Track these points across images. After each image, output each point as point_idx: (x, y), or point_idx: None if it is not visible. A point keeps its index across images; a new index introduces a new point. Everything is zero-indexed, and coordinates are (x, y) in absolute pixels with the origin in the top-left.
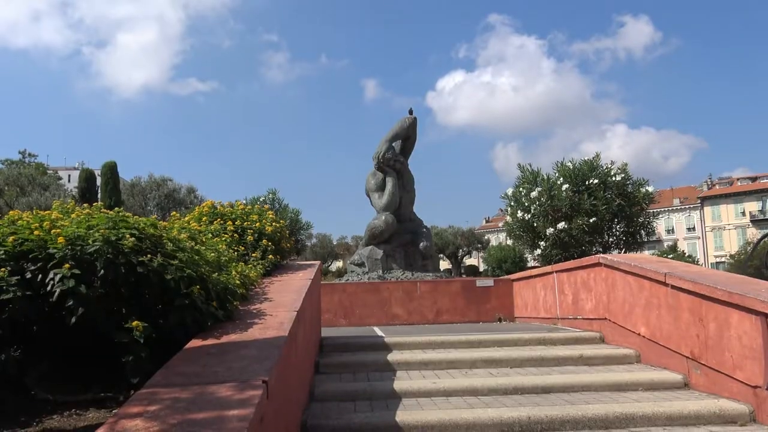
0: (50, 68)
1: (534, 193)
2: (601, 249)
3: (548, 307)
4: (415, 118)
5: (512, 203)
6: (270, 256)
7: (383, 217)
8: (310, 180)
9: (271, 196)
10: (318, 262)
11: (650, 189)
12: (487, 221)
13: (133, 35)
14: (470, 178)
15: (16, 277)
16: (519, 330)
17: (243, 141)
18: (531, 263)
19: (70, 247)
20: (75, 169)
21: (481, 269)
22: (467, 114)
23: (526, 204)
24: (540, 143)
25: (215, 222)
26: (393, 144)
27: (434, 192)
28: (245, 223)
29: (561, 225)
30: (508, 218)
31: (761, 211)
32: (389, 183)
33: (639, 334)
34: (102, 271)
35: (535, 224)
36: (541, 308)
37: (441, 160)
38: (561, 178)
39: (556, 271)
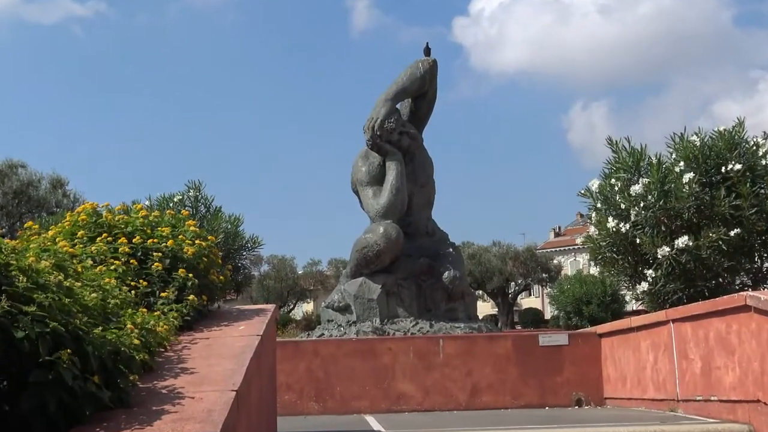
0: None
1: (636, 188)
2: (749, 282)
3: (661, 381)
4: (434, 63)
5: (599, 204)
6: (191, 297)
7: (381, 229)
8: (261, 169)
9: (192, 193)
10: (272, 307)
11: None
12: (557, 235)
13: None
14: (527, 162)
15: None
16: (612, 420)
17: (148, 103)
18: (631, 305)
19: None
20: None
21: (548, 315)
22: (522, 53)
23: (623, 206)
24: (646, 102)
25: (99, 239)
26: (398, 106)
27: (467, 186)
28: (150, 241)
29: (682, 241)
30: (593, 230)
31: None
32: (392, 171)
33: None
34: None
35: (638, 240)
36: (648, 382)
37: (478, 131)
38: (681, 163)
39: (674, 320)
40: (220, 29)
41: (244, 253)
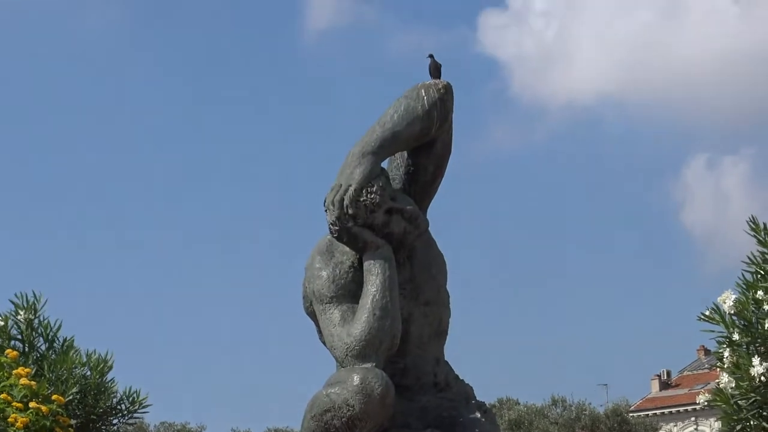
0: None
1: None
2: None
3: None
4: (446, 89)
5: (737, 335)
6: None
7: (356, 379)
8: (142, 277)
9: (24, 316)
10: None
11: None
12: (664, 386)
13: None
14: (611, 260)
15: None
16: None
17: None
18: None
19: None
20: None
21: None
22: (602, 73)
23: None
24: None
25: None
26: (384, 164)
27: (506, 304)
28: None
29: None
30: (726, 379)
31: None
32: (374, 277)
33: None
34: None
35: None
36: None
37: (526, 207)
38: None
39: None
40: (86, 41)
41: (116, 421)
